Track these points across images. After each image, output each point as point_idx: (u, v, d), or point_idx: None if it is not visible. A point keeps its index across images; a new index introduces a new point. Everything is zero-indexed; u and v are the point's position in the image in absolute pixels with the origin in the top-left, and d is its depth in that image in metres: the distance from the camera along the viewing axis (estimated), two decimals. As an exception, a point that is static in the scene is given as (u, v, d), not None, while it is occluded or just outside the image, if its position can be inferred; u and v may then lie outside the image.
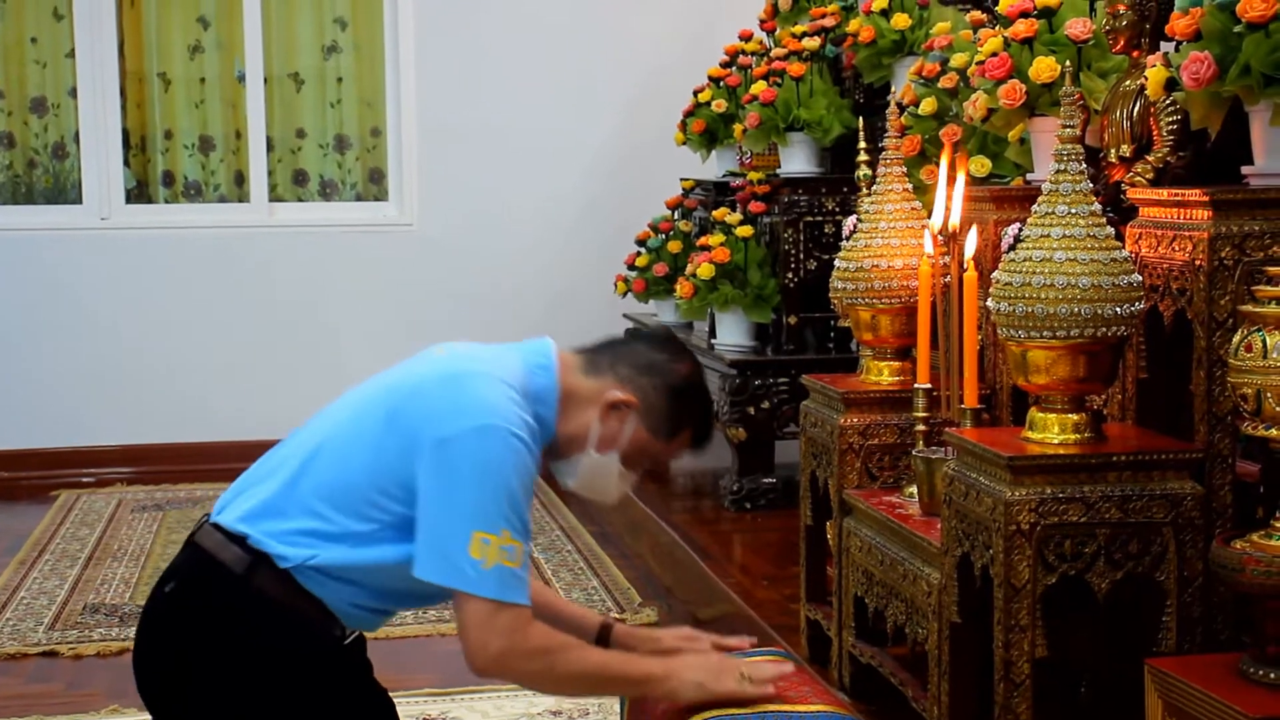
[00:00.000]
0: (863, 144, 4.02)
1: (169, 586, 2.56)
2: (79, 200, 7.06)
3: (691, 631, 2.81)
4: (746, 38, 6.44)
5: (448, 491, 2.42)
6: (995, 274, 2.72)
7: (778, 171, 5.69)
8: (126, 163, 7.15)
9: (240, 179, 7.32)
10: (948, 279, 3.26)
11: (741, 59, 6.22)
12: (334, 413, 2.63)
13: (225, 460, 6.76)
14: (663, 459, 2.70)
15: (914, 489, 3.26)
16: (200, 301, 6.95)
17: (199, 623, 2.51)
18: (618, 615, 4.72)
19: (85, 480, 6.78)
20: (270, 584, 2.48)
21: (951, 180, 3.27)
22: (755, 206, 5.56)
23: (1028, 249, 2.65)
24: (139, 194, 7.27)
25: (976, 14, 4.63)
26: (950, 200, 3.24)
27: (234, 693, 2.49)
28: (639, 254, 6.38)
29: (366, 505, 2.49)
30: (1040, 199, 2.67)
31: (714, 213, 5.77)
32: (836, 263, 3.63)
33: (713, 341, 5.62)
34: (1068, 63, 3.30)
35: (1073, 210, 2.62)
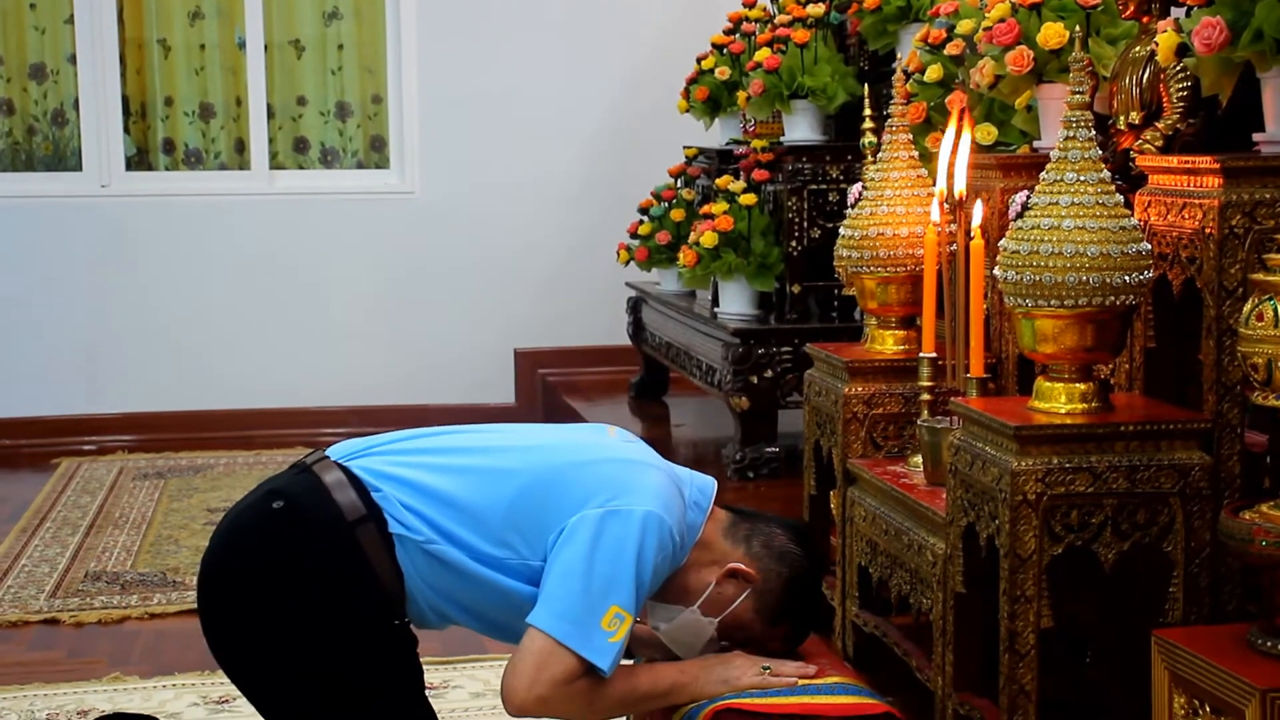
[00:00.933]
0: (868, 111, 3.99)
1: (277, 503, 2.56)
2: (79, 168, 7.04)
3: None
4: (750, 4, 6.39)
5: (600, 558, 2.48)
6: (1002, 242, 2.69)
7: (781, 139, 5.66)
8: (126, 130, 7.12)
9: (241, 146, 7.29)
10: (954, 247, 3.24)
11: (745, 26, 6.18)
12: (515, 435, 2.70)
13: (226, 428, 6.77)
14: (757, 641, 2.71)
15: (919, 458, 3.24)
16: (201, 269, 6.93)
17: (289, 546, 2.53)
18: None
19: (86, 448, 6.77)
20: (369, 541, 2.51)
21: (957, 146, 3.24)
22: (759, 174, 5.53)
23: (1035, 217, 2.62)
24: (139, 161, 7.24)
25: (983, -20, 4.59)
26: (954, 164, 3.21)
27: (290, 628, 2.52)
28: (642, 222, 6.36)
29: (497, 536, 2.53)
30: (1048, 166, 2.65)
31: (717, 181, 5.74)
32: (841, 231, 3.61)
33: (715, 310, 5.60)
34: (1076, 28, 3.27)
35: (1081, 178, 2.60)
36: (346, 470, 2.56)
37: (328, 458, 2.61)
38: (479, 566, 2.53)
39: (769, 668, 2.63)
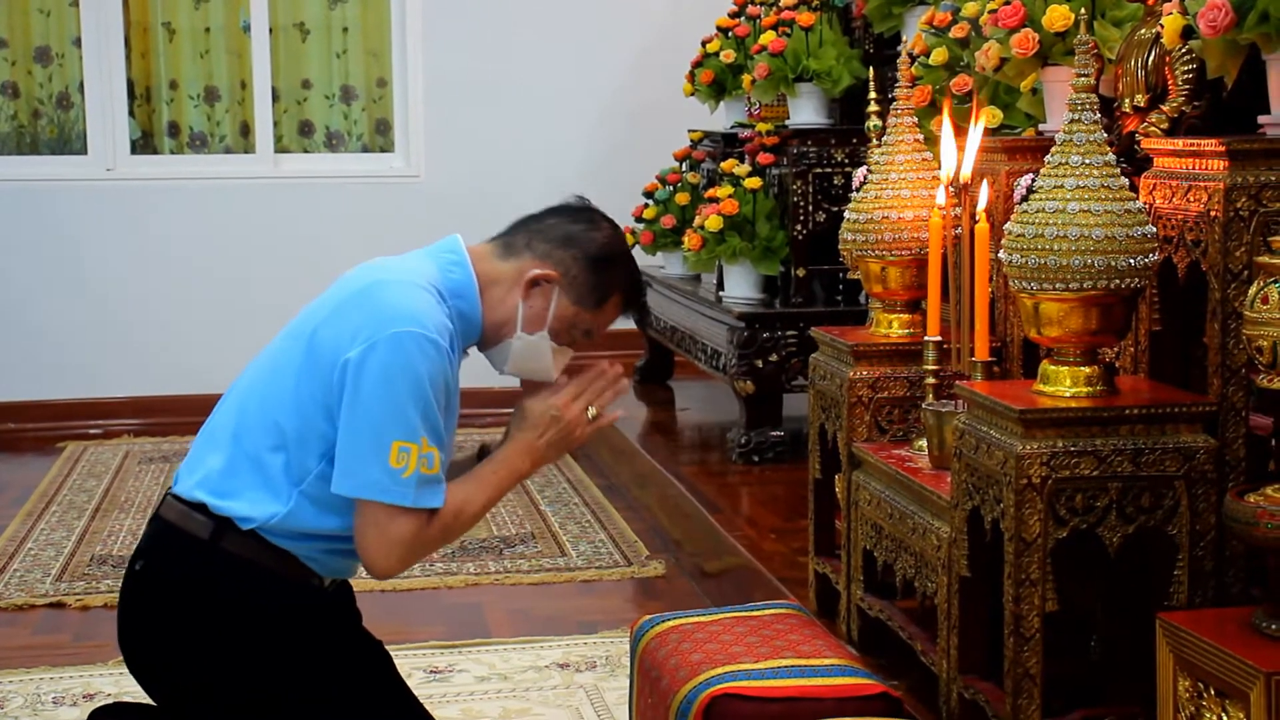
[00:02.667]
0: (873, 94, 3.98)
1: (139, 565, 2.54)
2: (84, 151, 7.03)
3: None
4: (755, -13, 6.38)
5: (364, 404, 2.40)
6: (1007, 225, 2.69)
7: (786, 123, 5.65)
8: (131, 113, 7.11)
9: (246, 130, 7.29)
10: (959, 230, 3.23)
11: (750, 9, 6.17)
12: (261, 359, 2.62)
13: (232, 412, 6.76)
14: (595, 328, 2.65)
15: (924, 442, 3.24)
16: (206, 253, 6.93)
17: (176, 594, 2.49)
18: (626, 569, 4.72)
19: (92, 432, 6.78)
20: (238, 545, 2.46)
21: (964, 130, 3.23)
22: (764, 158, 5.52)
23: (1041, 200, 2.62)
24: (144, 145, 7.24)
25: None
26: (961, 148, 3.21)
27: (223, 657, 2.48)
28: (646, 206, 6.35)
29: (306, 442, 2.46)
30: (1054, 149, 2.64)
31: (722, 164, 5.74)
32: (846, 214, 3.60)
33: (720, 294, 5.60)
34: (1082, 11, 3.26)
35: (1087, 161, 2.59)
36: (179, 498, 2.52)
37: (168, 493, 2.56)
38: (325, 501, 2.46)
39: (595, 413, 2.61)
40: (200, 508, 2.48)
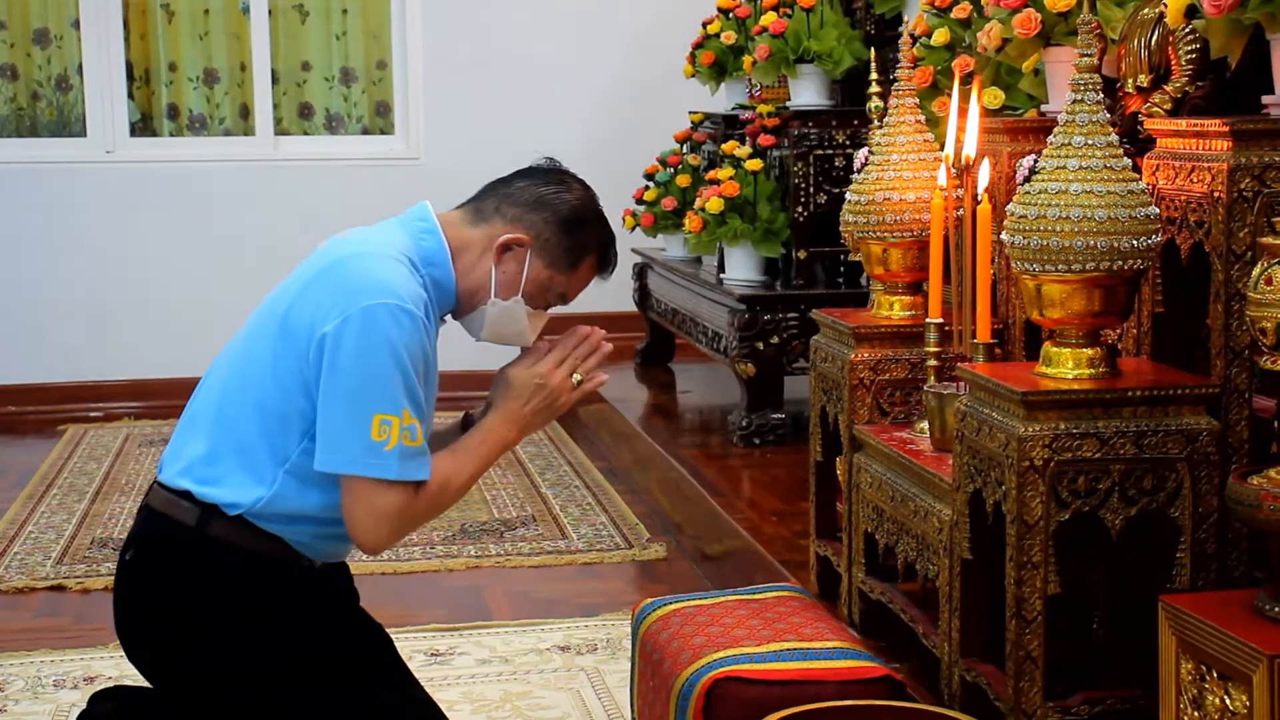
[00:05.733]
0: (874, 76, 3.96)
1: (129, 554, 2.53)
2: (83, 133, 7.02)
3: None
4: (756, -32, 6.36)
5: (341, 380, 2.38)
6: (1009, 206, 2.68)
7: (787, 104, 5.64)
8: (131, 95, 7.10)
9: (245, 112, 7.27)
10: (960, 212, 3.22)
11: (751, -10, 6.15)
12: (236, 341, 2.58)
13: (232, 395, 6.76)
14: (570, 291, 2.65)
15: (925, 424, 3.23)
16: (206, 235, 6.92)
17: (166, 582, 2.48)
18: (628, 552, 4.71)
19: (92, 415, 6.78)
20: (225, 531, 2.45)
21: (965, 110, 3.22)
22: (765, 140, 5.51)
23: (1043, 181, 2.61)
24: (143, 127, 7.22)
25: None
26: (962, 129, 3.19)
27: (216, 642, 2.47)
28: (647, 188, 6.34)
29: (288, 423, 2.45)
30: (1056, 130, 2.63)
31: (723, 146, 5.72)
32: (847, 196, 3.59)
33: (721, 276, 5.59)
34: (1084, -9, 3.25)
35: (1089, 141, 2.58)
36: (164, 486, 2.50)
37: (154, 483, 2.55)
38: (310, 483, 2.45)
39: (579, 378, 2.61)
40: (185, 495, 2.47)
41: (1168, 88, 2.93)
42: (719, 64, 6.22)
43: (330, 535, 2.52)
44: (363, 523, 2.42)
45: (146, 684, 2.59)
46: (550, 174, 2.64)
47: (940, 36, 4.10)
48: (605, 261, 2.66)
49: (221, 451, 2.47)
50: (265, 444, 2.45)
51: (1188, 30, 2.88)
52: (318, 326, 2.41)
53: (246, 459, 2.45)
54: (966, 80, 3.68)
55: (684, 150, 6.44)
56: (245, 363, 2.51)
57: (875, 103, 3.91)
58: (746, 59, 5.74)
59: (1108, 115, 2.62)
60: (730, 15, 6.20)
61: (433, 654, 3.81)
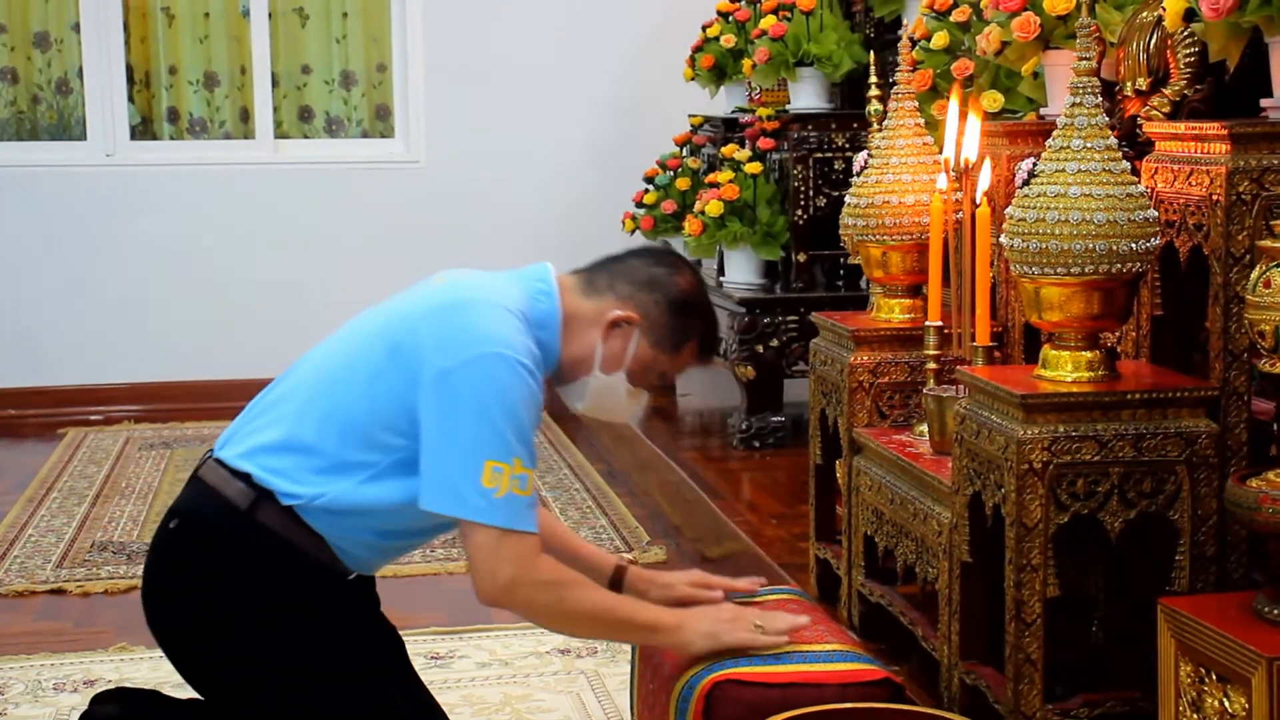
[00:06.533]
0: (874, 79, 3.97)
1: (173, 523, 2.55)
2: (83, 137, 7.02)
3: (702, 575, 2.80)
4: (756, -29, 6.37)
5: (455, 422, 2.40)
6: (1009, 210, 2.68)
7: (787, 107, 5.64)
8: (131, 99, 7.10)
9: (245, 115, 7.27)
10: (959, 215, 3.22)
11: (750, -7, 6.16)
12: (334, 345, 2.61)
13: (231, 398, 6.71)
14: (671, 373, 2.68)
15: (925, 427, 3.23)
16: (206, 239, 6.92)
17: (204, 558, 2.50)
18: (627, 555, 4.71)
19: (93, 418, 6.78)
20: (273, 519, 2.47)
21: (964, 115, 3.22)
22: (764, 143, 5.51)
23: (1042, 184, 2.61)
24: (144, 130, 7.23)
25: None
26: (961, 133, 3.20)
27: (241, 626, 2.49)
28: (647, 191, 6.34)
29: (370, 440, 2.46)
30: (1055, 133, 2.63)
31: (723, 149, 5.73)
32: (847, 199, 3.59)
33: (721, 279, 5.59)
34: (1083, -6, 3.25)
35: (1088, 144, 2.59)
36: (223, 463, 2.52)
37: (210, 456, 2.57)
38: (371, 489, 2.46)
39: (760, 625, 2.59)
40: (244, 477, 2.49)
41: (1166, 91, 2.93)
42: (718, 67, 6.22)
43: (373, 547, 2.54)
44: (479, 570, 2.42)
45: (147, 687, 2.60)
46: (663, 256, 2.69)
47: (939, 40, 4.10)
48: (708, 348, 2.69)
49: (293, 447, 2.49)
50: (339, 454, 2.47)
51: (1186, 33, 2.88)
52: (435, 361, 2.42)
53: (315, 461, 2.47)
54: (967, 84, 3.69)
55: (683, 153, 6.44)
56: (344, 370, 2.52)
57: (875, 106, 3.91)
58: (746, 62, 5.75)
59: (1106, 118, 2.62)
60: (730, 19, 6.20)
61: (433, 657, 3.81)
